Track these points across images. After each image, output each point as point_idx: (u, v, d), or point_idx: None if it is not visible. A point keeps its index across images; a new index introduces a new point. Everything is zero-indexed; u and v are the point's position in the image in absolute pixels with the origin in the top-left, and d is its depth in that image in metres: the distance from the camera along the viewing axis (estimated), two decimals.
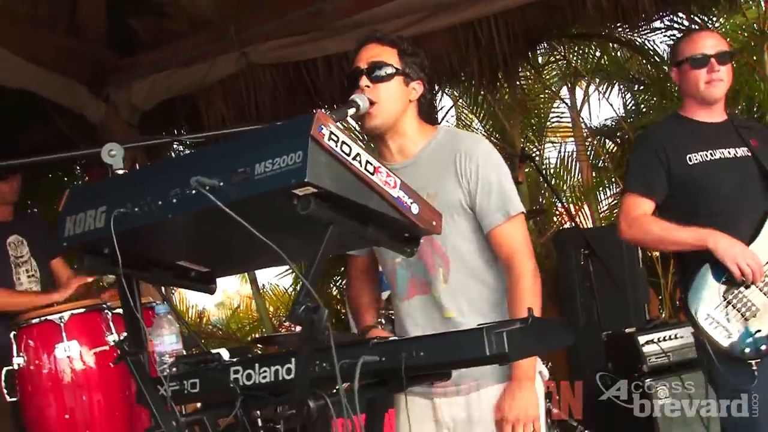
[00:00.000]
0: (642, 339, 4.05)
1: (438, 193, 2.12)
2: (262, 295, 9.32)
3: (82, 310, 3.06)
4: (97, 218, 1.56)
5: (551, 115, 8.39)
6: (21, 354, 3.01)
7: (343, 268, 7.14)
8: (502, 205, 2.14)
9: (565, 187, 7.99)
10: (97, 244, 1.59)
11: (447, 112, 8.24)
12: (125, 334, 1.71)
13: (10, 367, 3.02)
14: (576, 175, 8.14)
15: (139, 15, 5.46)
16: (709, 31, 3.46)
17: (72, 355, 2.97)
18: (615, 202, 7.64)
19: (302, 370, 1.49)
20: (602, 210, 8.02)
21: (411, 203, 1.54)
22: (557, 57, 7.93)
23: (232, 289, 14.54)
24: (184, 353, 1.81)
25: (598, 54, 7.82)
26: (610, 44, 7.59)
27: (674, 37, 6.61)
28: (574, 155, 8.20)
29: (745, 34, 6.95)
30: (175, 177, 1.47)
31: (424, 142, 2.22)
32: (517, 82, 7.13)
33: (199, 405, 1.82)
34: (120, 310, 3.01)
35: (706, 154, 2.75)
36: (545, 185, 7.30)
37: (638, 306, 5.39)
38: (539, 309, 2.10)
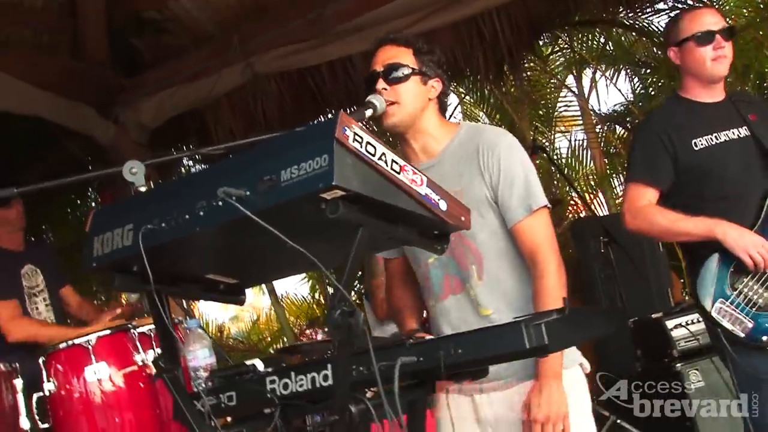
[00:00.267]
0: (670, 324, 4.03)
1: (464, 190, 2.09)
2: (281, 305, 9.33)
3: (108, 331, 3.06)
4: (125, 236, 1.55)
5: (559, 104, 8.37)
6: (51, 379, 3.00)
7: (360, 273, 7.12)
8: (525, 199, 2.09)
9: (578, 176, 7.95)
10: (125, 263, 1.57)
11: (454, 110, 8.25)
12: (159, 350, 1.70)
13: (41, 394, 3.01)
14: (588, 163, 8.09)
15: (140, 33, 5.48)
16: (709, 8, 3.40)
17: (102, 377, 2.96)
18: None
19: (341, 375, 1.47)
20: (617, 196, 7.95)
21: (439, 200, 1.52)
22: (561, 46, 7.90)
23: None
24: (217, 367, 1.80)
25: (602, 40, 7.78)
26: (614, 29, 7.53)
27: None
28: (585, 143, 8.16)
29: (750, 10, 6.89)
30: (201, 190, 1.46)
31: (447, 140, 2.20)
32: (523, 74, 7.09)
33: (229, 419, 1.81)
34: (144, 329, 3.04)
35: (710, 138, 2.69)
36: (558, 175, 7.25)
37: (661, 291, 5.31)
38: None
